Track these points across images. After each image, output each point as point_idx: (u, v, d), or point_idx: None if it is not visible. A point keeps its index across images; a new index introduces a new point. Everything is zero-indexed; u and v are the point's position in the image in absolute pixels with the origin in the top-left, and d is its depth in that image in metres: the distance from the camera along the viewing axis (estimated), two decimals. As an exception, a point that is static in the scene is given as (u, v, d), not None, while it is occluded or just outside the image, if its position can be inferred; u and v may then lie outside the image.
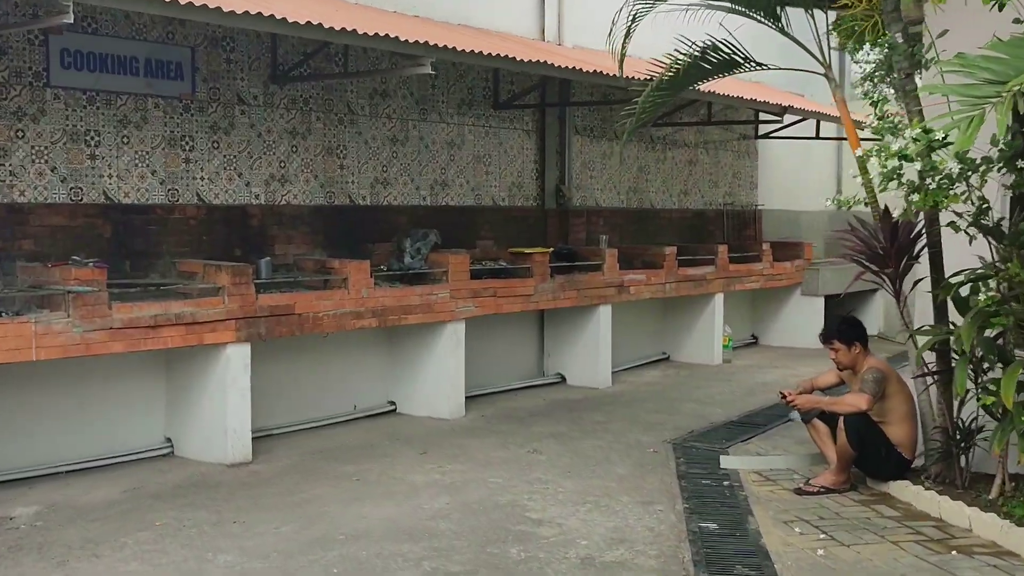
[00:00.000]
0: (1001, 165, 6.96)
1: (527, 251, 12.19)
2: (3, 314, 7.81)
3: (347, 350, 10.90)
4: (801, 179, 18.95)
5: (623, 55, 9.03)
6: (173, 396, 9.47)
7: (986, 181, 7.03)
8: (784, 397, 8.37)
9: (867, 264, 8.11)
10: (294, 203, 10.69)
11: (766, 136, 17.36)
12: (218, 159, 10.00)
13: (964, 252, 7.44)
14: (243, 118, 10.21)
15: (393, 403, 11.44)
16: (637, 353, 14.80)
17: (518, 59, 10.45)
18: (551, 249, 12.48)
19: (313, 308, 9.73)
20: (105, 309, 8.19)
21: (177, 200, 9.71)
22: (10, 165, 8.56)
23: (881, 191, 7.32)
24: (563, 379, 13.37)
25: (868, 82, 9.26)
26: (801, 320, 16.65)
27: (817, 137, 16.80)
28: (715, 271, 14.88)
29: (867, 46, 9.92)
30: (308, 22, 8.45)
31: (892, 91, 8.63)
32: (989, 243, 7.27)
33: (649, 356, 15.14)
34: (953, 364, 7.37)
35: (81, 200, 9.04)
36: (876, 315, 17.60)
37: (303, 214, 10.75)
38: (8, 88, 8.53)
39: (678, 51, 8.57)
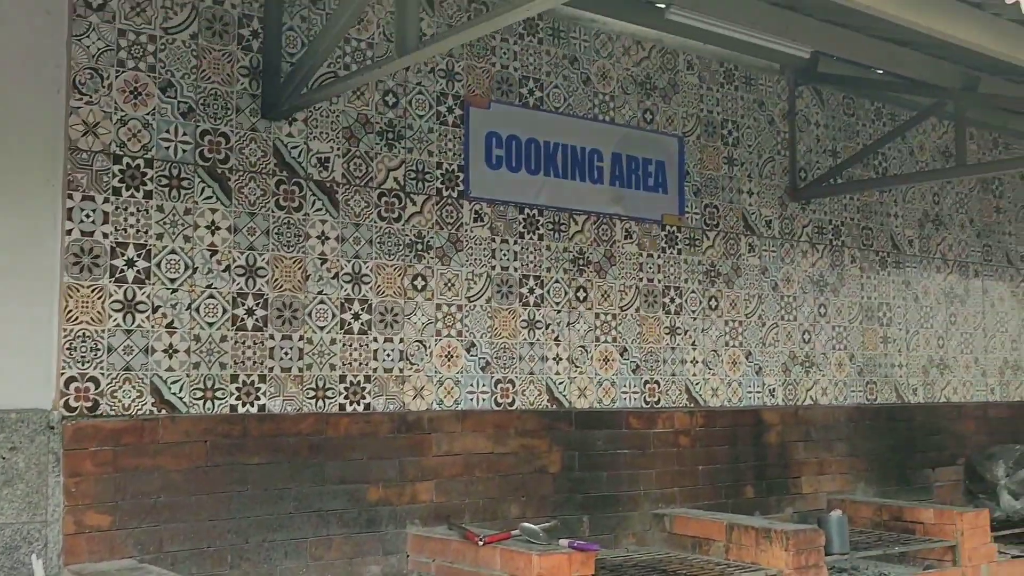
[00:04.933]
0: None
1: None
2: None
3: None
4: None
5: None
6: None
7: None
8: None
9: None
10: (823, 402, 6.23)
11: None
12: (717, 328, 5.75)
13: None
14: (751, 257, 5.97)
15: None
16: None
17: None
18: None
19: (916, 609, 5.12)
20: (591, 640, 3.90)
21: (659, 401, 5.47)
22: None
23: None
24: None
25: None
26: None
27: None
28: None
29: None
30: None
31: None
32: None
33: None
34: None
35: (512, 404, 4.94)
36: None
37: (836, 421, 6.26)
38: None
39: None
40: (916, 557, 5.49)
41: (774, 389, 5.98)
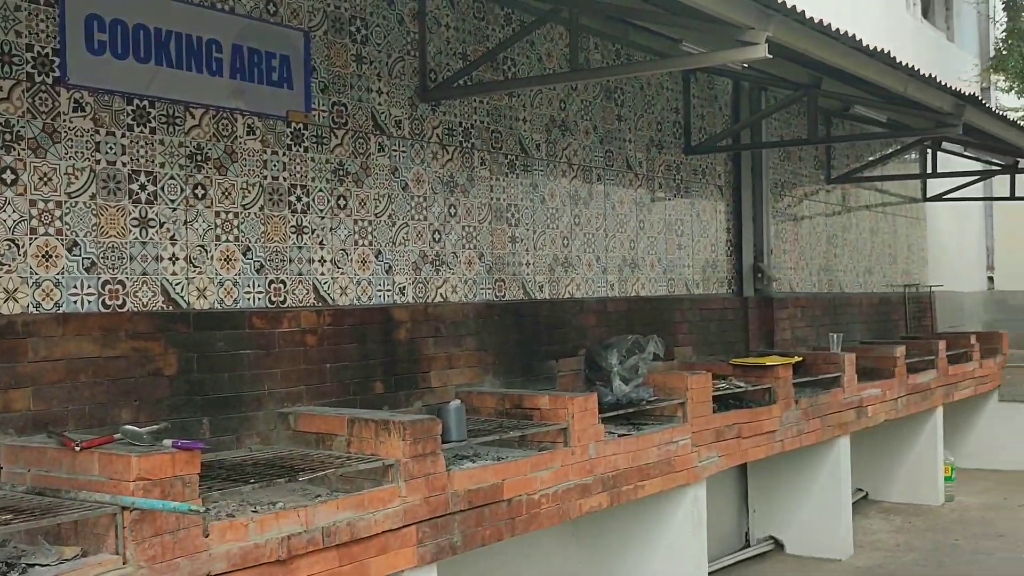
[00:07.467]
0: None
1: (765, 363, 8.06)
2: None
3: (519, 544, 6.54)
4: (962, 250, 15.24)
5: None
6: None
7: None
8: None
9: None
10: (453, 300, 6.44)
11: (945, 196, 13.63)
12: (346, 227, 5.75)
13: None
14: (381, 157, 5.99)
15: (586, 614, 7.13)
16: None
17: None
18: (796, 359, 8.36)
19: (528, 487, 5.46)
20: (197, 539, 3.85)
21: (285, 301, 5.41)
22: (-12, 239, 4.22)
23: None
24: (779, 545, 9.16)
25: None
26: (1006, 434, 12.67)
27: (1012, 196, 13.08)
28: (936, 377, 10.88)
29: None
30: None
31: None
32: None
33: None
34: None
35: (122, 306, 4.70)
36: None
37: (466, 317, 6.49)
38: (-14, 86, 4.23)
39: None
40: (533, 440, 5.85)
41: (404, 287, 6.09)
